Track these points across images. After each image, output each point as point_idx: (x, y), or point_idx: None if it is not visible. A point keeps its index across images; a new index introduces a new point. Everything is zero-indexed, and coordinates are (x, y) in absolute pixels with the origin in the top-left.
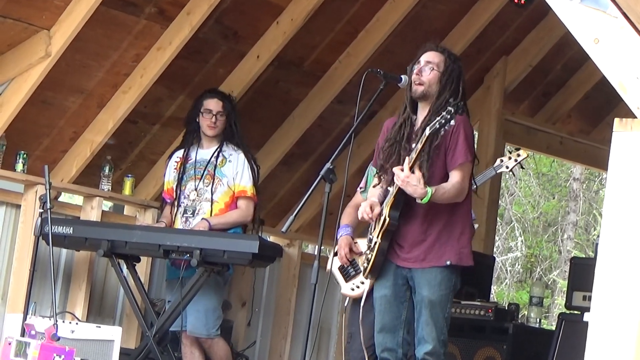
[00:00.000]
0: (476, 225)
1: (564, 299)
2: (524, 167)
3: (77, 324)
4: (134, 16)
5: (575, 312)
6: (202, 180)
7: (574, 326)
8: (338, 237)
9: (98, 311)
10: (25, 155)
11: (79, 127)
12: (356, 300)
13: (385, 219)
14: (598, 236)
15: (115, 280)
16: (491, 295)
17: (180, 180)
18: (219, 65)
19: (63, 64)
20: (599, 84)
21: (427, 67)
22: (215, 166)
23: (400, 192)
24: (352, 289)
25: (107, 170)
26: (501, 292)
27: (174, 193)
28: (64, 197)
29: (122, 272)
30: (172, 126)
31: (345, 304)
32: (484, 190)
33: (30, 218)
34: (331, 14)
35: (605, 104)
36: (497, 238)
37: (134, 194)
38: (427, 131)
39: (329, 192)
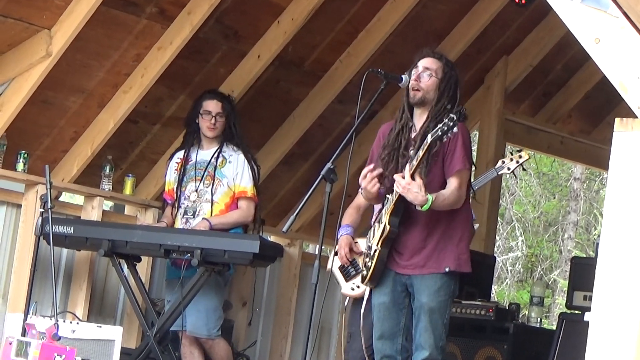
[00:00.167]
0: (477, 225)
1: (565, 299)
2: (525, 168)
3: (77, 323)
4: (134, 16)
5: (576, 311)
6: (202, 181)
7: (574, 326)
8: (338, 237)
9: (99, 311)
10: (26, 155)
11: (79, 126)
12: (356, 300)
13: (385, 227)
14: (599, 236)
15: (116, 280)
16: (492, 295)
17: (180, 182)
18: (219, 65)
19: (64, 64)
20: (600, 83)
21: (426, 74)
22: (215, 167)
23: (400, 199)
24: (352, 289)
25: (107, 170)
26: (502, 291)
27: (175, 194)
28: (65, 197)
29: (122, 271)
30: (172, 126)
31: (345, 304)
32: (485, 190)
33: (31, 218)
34: (332, 13)
35: (605, 103)
36: (497, 238)
37: (134, 194)
38: (429, 139)
39: (330, 192)
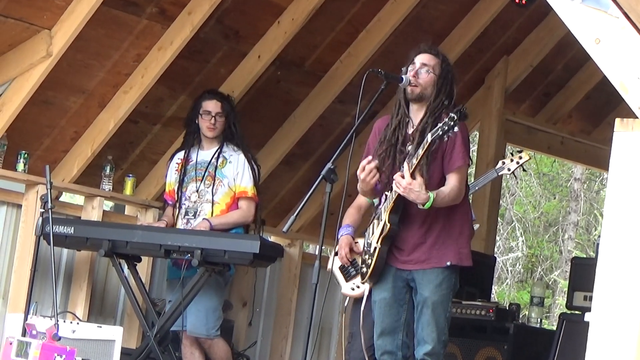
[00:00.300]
0: (477, 226)
1: (565, 299)
2: (526, 169)
3: (78, 323)
4: (135, 16)
5: (576, 312)
6: (203, 181)
7: (574, 326)
8: (339, 237)
9: (99, 311)
10: (26, 155)
11: (80, 127)
12: (357, 300)
13: (385, 225)
14: (599, 236)
15: (116, 280)
16: (492, 295)
17: (181, 182)
18: (220, 65)
19: (64, 64)
20: (600, 84)
21: (423, 70)
22: (216, 167)
23: (400, 197)
24: (353, 289)
25: (108, 170)
26: (502, 292)
27: (176, 195)
28: (65, 197)
29: (123, 272)
30: (173, 126)
31: (346, 304)
32: (485, 191)
33: (31, 218)
34: (332, 13)
35: (606, 104)
36: (498, 238)
37: (135, 194)
38: (429, 137)
39: (330, 192)
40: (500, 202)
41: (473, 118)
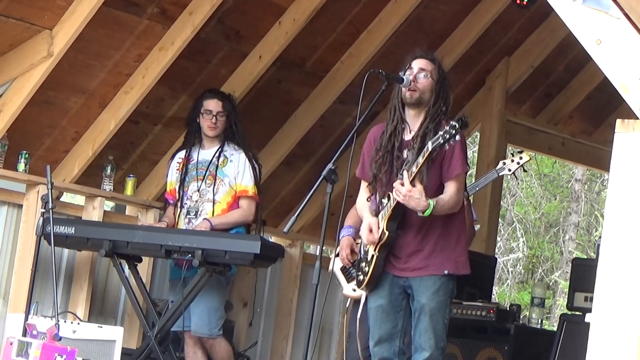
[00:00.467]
0: (478, 226)
1: (566, 300)
2: (526, 170)
3: (78, 324)
4: (136, 16)
5: (577, 313)
6: (204, 181)
7: (575, 327)
8: (340, 238)
9: (100, 311)
10: (27, 155)
11: (81, 127)
12: (357, 301)
13: (383, 233)
14: (600, 237)
15: (116, 280)
16: (493, 296)
17: (182, 182)
18: (221, 66)
19: (65, 64)
20: (601, 85)
21: (422, 74)
22: (217, 166)
23: (399, 205)
24: (354, 290)
25: (109, 171)
26: (503, 292)
27: (177, 194)
28: (66, 197)
29: (123, 272)
30: (174, 126)
31: (347, 305)
32: (486, 191)
33: (32, 218)
34: (333, 14)
35: (607, 105)
36: (498, 239)
37: (135, 194)
38: (430, 146)
39: (331, 193)
40: (501, 202)
41: (474, 119)
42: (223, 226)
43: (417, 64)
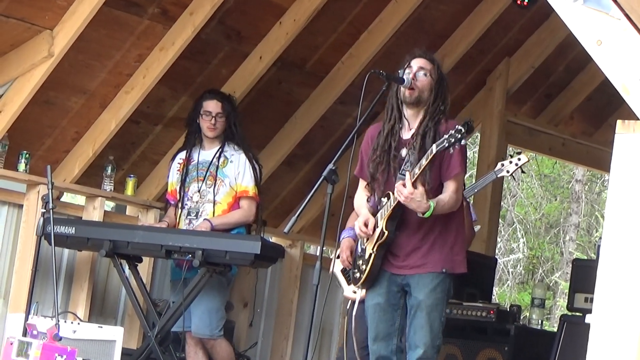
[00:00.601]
0: (478, 227)
1: (566, 301)
2: (524, 171)
3: (79, 324)
4: (136, 16)
5: (577, 313)
6: (204, 181)
7: (575, 328)
8: (340, 240)
9: (100, 311)
10: (27, 155)
11: (81, 127)
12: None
13: (382, 232)
14: (600, 238)
15: (117, 280)
16: (493, 297)
17: (183, 182)
18: (221, 66)
19: (66, 64)
20: (602, 85)
21: (421, 73)
22: (217, 167)
23: (399, 205)
24: (354, 291)
25: (109, 171)
26: (503, 293)
27: (178, 195)
28: (66, 197)
29: (124, 272)
30: (174, 126)
31: (348, 307)
32: (486, 192)
33: (32, 218)
34: (334, 14)
35: (607, 105)
36: (499, 239)
37: (136, 194)
38: (434, 149)
39: (331, 193)
40: (502, 203)
41: (474, 120)
42: (223, 226)
43: (417, 62)
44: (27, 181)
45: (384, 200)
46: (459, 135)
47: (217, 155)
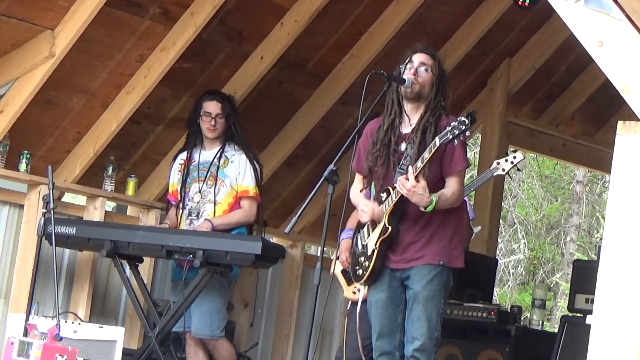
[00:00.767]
0: (478, 228)
1: (567, 302)
2: (520, 169)
3: (79, 324)
4: (138, 17)
5: (578, 314)
6: (205, 182)
7: (576, 329)
8: (340, 241)
9: (101, 311)
10: (28, 155)
11: (82, 127)
12: (356, 303)
13: (385, 227)
14: (601, 239)
15: (118, 280)
16: (494, 298)
17: (184, 183)
18: (222, 66)
19: (67, 64)
20: (603, 86)
21: (422, 68)
22: (218, 167)
23: (400, 200)
24: (354, 292)
25: (110, 171)
26: (504, 294)
27: (179, 195)
28: (67, 197)
29: (124, 272)
30: (175, 127)
31: (348, 307)
32: (487, 192)
33: (33, 218)
34: (335, 15)
35: (608, 106)
36: (499, 240)
37: (137, 195)
38: (438, 141)
39: (332, 194)
40: (502, 204)
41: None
42: (224, 227)
43: (418, 58)
44: (28, 181)
45: (384, 195)
46: (463, 127)
47: (218, 155)
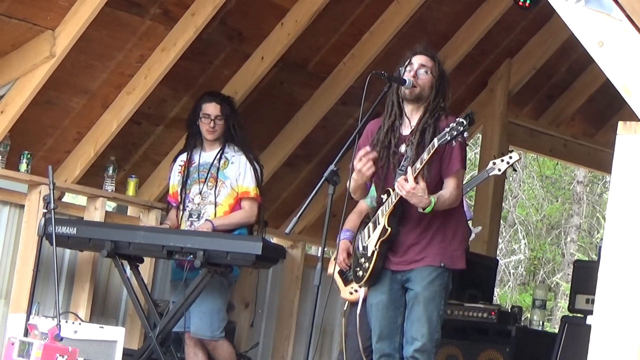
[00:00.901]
0: (479, 228)
1: (567, 302)
2: (516, 169)
3: (80, 324)
4: (138, 17)
5: (578, 315)
6: (205, 183)
7: (576, 329)
8: (338, 242)
9: (101, 312)
10: (29, 156)
11: (83, 127)
12: (354, 304)
13: (385, 229)
14: (601, 239)
15: (118, 280)
16: (494, 298)
17: (184, 184)
18: (223, 67)
19: (67, 65)
20: (603, 87)
21: (422, 70)
22: (218, 168)
23: (401, 201)
24: (351, 293)
25: (110, 171)
26: (504, 294)
27: (179, 197)
28: (68, 198)
29: (125, 272)
30: (175, 127)
31: (344, 308)
32: (488, 193)
33: (33, 218)
34: (335, 15)
35: (609, 107)
36: (500, 240)
37: (137, 195)
38: (436, 142)
39: (333, 194)
40: (503, 204)
41: (476, 121)
42: (225, 227)
43: (417, 60)
44: (29, 181)
45: (384, 197)
46: (461, 128)
47: (218, 156)
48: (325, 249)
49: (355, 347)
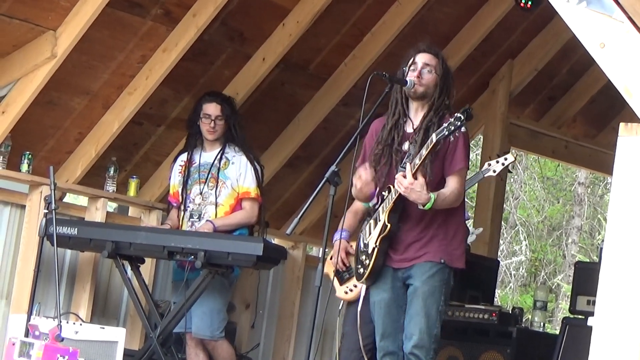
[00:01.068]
0: (480, 229)
1: (568, 303)
2: (511, 170)
3: (81, 324)
4: (139, 17)
5: (579, 316)
6: (206, 183)
7: (577, 330)
8: (333, 242)
9: (102, 312)
10: (30, 156)
11: (84, 128)
12: (350, 303)
13: (385, 225)
14: (602, 240)
15: (119, 281)
16: (495, 299)
17: (185, 184)
18: (224, 67)
19: (69, 65)
20: (605, 88)
21: (426, 69)
22: (219, 169)
23: (400, 197)
24: (346, 292)
25: (112, 172)
26: (505, 295)
27: (180, 197)
28: (69, 198)
29: (126, 273)
30: (177, 128)
31: (340, 308)
32: (489, 194)
33: (35, 219)
34: (337, 16)
35: (610, 108)
36: (501, 242)
37: (138, 195)
38: (434, 137)
39: (334, 195)
40: (504, 206)
41: (477, 122)
42: (226, 228)
43: (421, 58)
44: (30, 182)
45: (385, 193)
46: (459, 123)
47: (218, 157)
48: (327, 250)
49: (351, 346)
